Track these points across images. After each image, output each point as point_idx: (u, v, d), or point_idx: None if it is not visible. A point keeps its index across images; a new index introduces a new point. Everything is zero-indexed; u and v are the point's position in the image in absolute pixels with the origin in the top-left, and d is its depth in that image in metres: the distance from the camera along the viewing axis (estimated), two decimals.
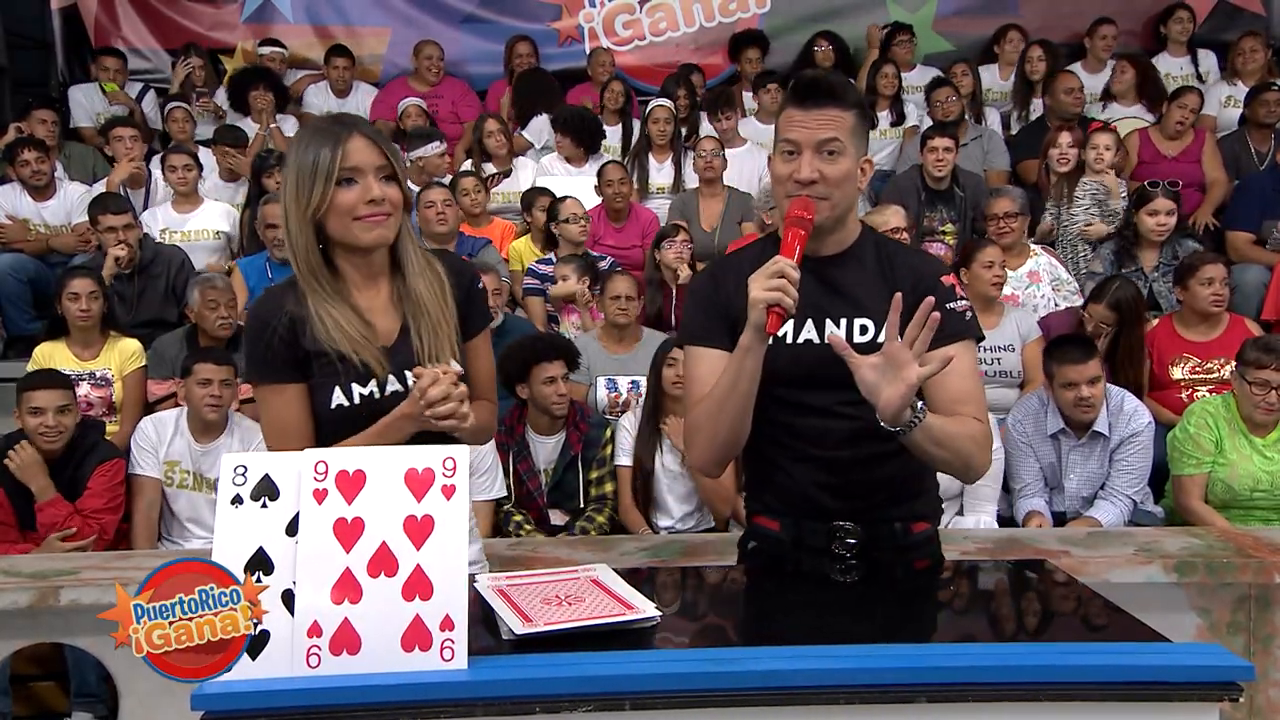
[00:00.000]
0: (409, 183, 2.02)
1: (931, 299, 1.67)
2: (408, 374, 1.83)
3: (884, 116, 6.47)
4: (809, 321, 1.87)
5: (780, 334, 1.80)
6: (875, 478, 1.88)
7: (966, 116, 6.07)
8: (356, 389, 1.84)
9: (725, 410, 1.81)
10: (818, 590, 1.85)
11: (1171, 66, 6.74)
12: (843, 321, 1.87)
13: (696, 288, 2.01)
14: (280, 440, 1.85)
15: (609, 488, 3.82)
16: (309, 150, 1.80)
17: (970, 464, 1.84)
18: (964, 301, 1.90)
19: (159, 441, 3.80)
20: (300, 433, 1.84)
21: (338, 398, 1.84)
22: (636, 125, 6.36)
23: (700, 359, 1.91)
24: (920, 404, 1.71)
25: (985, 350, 4.27)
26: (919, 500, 1.96)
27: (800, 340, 1.87)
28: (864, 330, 1.86)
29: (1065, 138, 5.38)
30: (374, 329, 1.86)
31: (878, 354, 1.69)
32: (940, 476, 1.99)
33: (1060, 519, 3.73)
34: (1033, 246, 4.89)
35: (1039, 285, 4.73)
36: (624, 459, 3.84)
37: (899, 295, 1.68)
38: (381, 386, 1.85)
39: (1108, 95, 6.42)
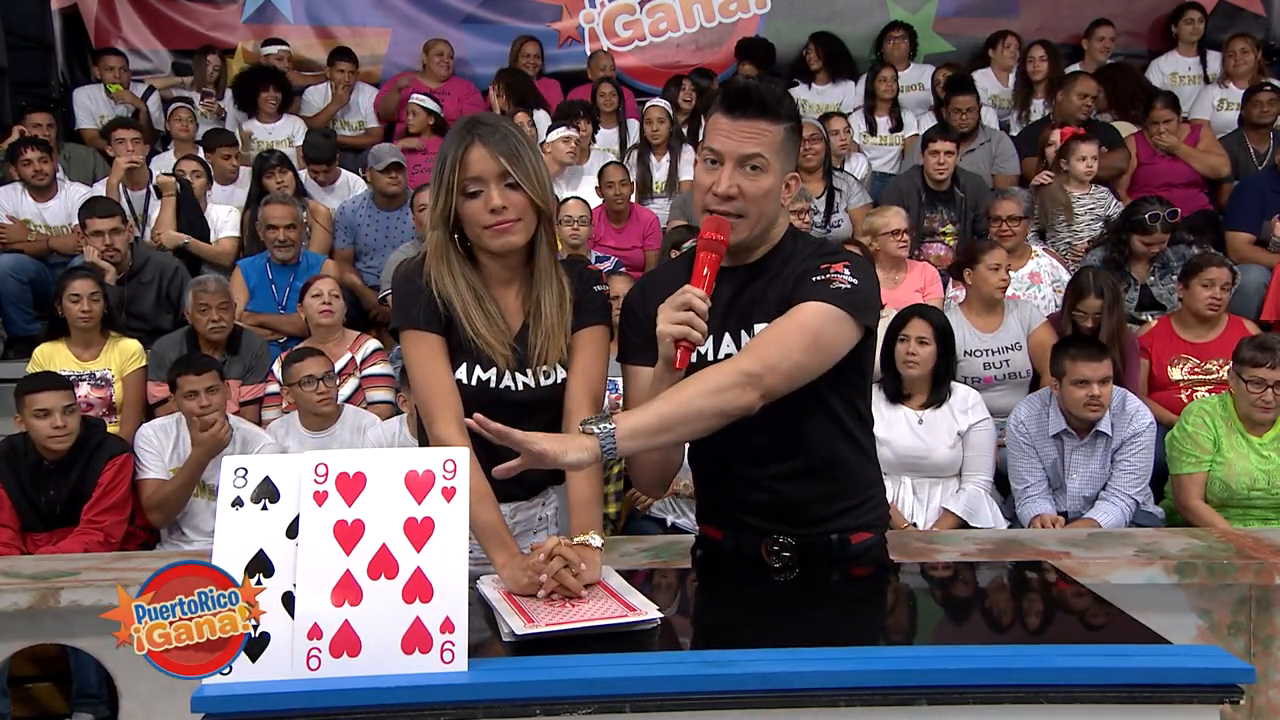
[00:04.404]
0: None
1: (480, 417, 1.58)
2: (519, 374, 1.91)
3: (883, 122, 6.46)
4: (726, 336, 1.85)
5: (702, 351, 1.79)
6: (804, 493, 1.87)
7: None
8: (478, 371, 1.91)
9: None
10: (817, 593, 1.85)
11: (1179, 66, 6.76)
12: (752, 329, 1.84)
13: (628, 304, 1.97)
14: (424, 388, 1.89)
15: (612, 489, 3.81)
16: (441, 157, 1.87)
17: (717, 412, 1.67)
18: (839, 276, 1.76)
19: (162, 447, 3.80)
20: (444, 383, 1.89)
21: (460, 373, 1.90)
22: (632, 126, 6.38)
23: (635, 377, 1.91)
24: (603, 427, 1.61)
25: (991, 354, 4.26)
26: (857, 511, 1.93)
27: (721, 356, 1.85)
28: None
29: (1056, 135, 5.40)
30: (508, 325, 1.92)
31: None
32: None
33: (1062, 519, 3.72)
34: (1034, 247, 4.89)
35: (1040, 286, 4.72)
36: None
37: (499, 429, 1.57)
38: (499, 377, 1.91)
39: None
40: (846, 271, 1.77)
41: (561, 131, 5.62)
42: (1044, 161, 5.52)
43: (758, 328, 1.84)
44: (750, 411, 1.69)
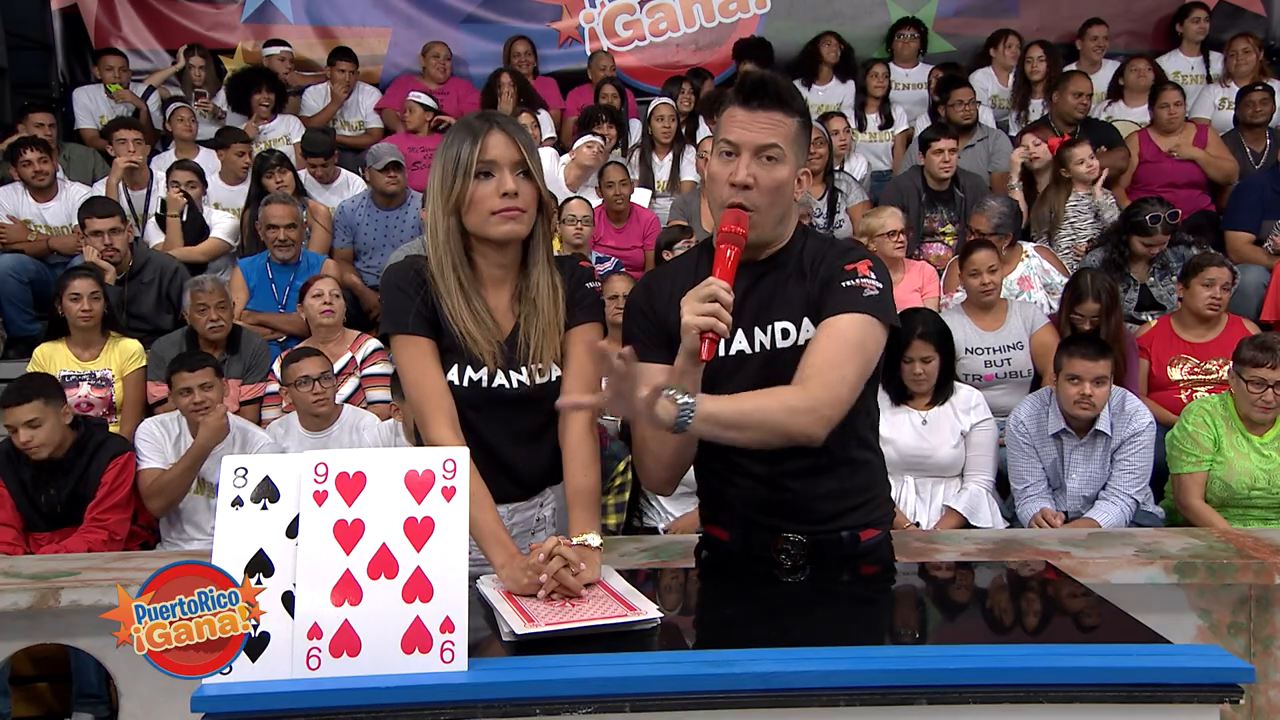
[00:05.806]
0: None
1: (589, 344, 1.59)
2: (513, 372, 1.92)
3: (873, 119, 6.45)
4: (739, 332, 1.85)
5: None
6: (817, 490, 1.88)
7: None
8: (469, 372, 1.92)
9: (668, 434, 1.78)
10: (819, 592, 1.85)
11: (1182, 65, 6.74)
12: (769, 327, 1.85)
13: (632, 301, 1.97)
14: (418, 391, 1.90)
15: (613, 500, 3.80)
16: (452, 145, 1.88)
17: (787, 432, 1.71)
18: (867, 281, 1.80)
19: (163, 442, 3.80)
20: (437, 386, 1.89)
21: (451, 374, 1.91)
22: (633, 126, 6.38)
23: (643, 374, 1.91)
24: (686, 399, 1.62)
25: (993, 353, 4.26)
26: (867, 508, 1.94)
27: (733, 352, 1.85)
28: (785, 334, 1.84)
29: (1030, 138, 5.40)
30: (497, 324, 1.93)
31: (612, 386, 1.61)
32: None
33: (1062, 515, 3.72)
34: (1025, 248, 4.82)
35: (1030, 292, 4.65)
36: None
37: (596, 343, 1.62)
38: (491, 377, 1.92)
39: (1116, 94, 6.41)
40: (872, 275, 1.82)
41: (587, 138, 5.64)
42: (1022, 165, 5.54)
43: (778, 325, 1.84)
44: (814, 443, 1.73)
